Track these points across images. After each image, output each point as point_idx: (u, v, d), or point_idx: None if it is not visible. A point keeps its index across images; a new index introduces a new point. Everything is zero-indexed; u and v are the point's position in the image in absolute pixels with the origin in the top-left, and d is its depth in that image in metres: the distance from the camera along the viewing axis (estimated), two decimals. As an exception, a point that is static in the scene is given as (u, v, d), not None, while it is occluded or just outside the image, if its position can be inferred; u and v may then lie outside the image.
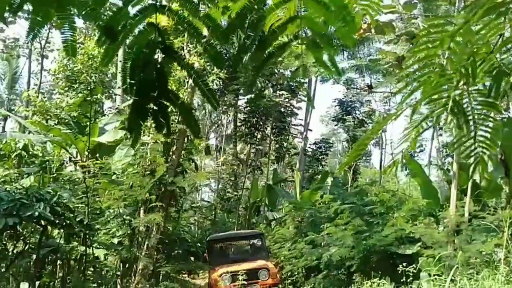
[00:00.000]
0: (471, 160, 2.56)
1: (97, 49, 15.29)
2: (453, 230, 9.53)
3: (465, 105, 2.39)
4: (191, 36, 3.03)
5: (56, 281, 10.58)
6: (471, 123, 2.35)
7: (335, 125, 34.08)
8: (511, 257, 8.48)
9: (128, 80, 2.89)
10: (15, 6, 2.42)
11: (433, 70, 2.46)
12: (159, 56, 2.94)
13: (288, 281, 12.17)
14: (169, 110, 3.13)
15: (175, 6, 2.82)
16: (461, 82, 2.40)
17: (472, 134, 2.36)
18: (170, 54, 2.96)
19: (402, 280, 8.14)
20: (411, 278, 8.10)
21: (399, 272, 8.28)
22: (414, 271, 8.23)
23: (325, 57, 2.76)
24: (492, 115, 2.52)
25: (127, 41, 2.89)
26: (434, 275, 8.28)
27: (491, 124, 2.48)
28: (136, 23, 2.72)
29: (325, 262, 11.52)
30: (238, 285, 9.03)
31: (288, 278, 12.80)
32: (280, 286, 12.31)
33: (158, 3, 2.72)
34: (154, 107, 2.97)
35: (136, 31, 2.78)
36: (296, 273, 13.05)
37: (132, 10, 2.72)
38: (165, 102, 2.99)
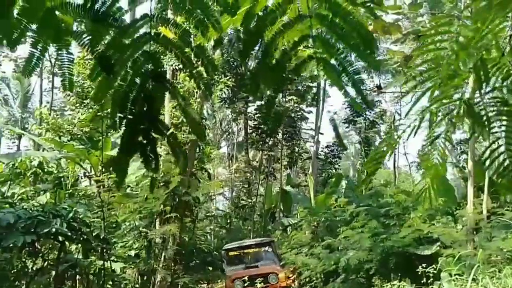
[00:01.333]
0: (495, 165, 2.50)
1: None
2: (472, 228, 9.40)
3: (479, 108, 2.35)
4: (184, 65, 2.91)
5: (76, 296, 10.65)
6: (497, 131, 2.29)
7: (346, 127, 33.92)
8: (533, 253, 8.32)
9: (118, 115, 2.76)
10: (14, 38, 2.41)
11: (440, 70, 2.42)
12: (150, 84, 2.82)
13: (307, 286, 12.08)
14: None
15: (169, 34, 2.75)
16: (470, 85, 2.37)
17: (499, 143, 2.31)
18: (162, 81, 2.85)
19: (422, 281, 8.03)
20: (431, 279, 7.99)
21: (419, 273, 8.17)
22: (434, 271, 8.12)
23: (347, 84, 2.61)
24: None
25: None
26: (455, 275, 8.15)
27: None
28: (132, 53, 2.66)
29: (343, 266, 11.41)
30: None
31: (306, 284, 12.71)
32: (293, 286, 13.35)
33: (153, 32, 2.67)
34: (143, 141, 2.83)
35: (130, 60, 2.70)
36: (314, 278, 12.94)
37: (126, 40, 2.67)
38: (154, 135, 2.86)
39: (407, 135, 2.67)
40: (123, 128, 2.78)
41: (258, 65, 2.71)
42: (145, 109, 2.74)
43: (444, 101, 2.40)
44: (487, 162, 2.44)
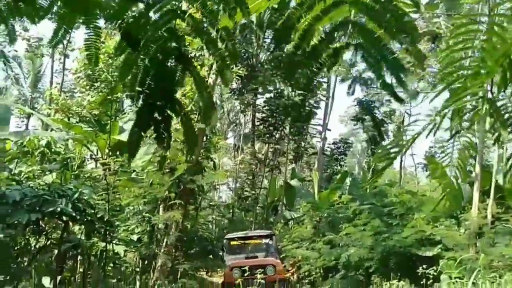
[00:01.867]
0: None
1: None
2: (475, 232, 9.35)
3: (502, 107, 2.32)
4: (207, 46, 2.85)
5: (77, 276, 10.75)
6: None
7: (354, 125, 33.80)
8: (536, 261, 8.29)
9: (137, 88, 2.76)
10: (43, 11, 2.39)
11: (465, 68, 2.39)
12: (171, 63, 2.80)
13: (306, 280, 12.14)
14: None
15: (194, 12, 2.71)
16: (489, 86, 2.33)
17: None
18: (185, 62, 2.84)
19: (422, 283, 8.03)
20: (431, 281, 7.98)
21: (419, 274, 8.17)
22: (435, 273, 8.11)
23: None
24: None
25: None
26: (455, 278, 8.13)
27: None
28: (157, 29, 2.63)
29: (343, 262, 11.45)
30: (247, 278, 9.45)
31: (305, 277, 12.77)
32: (292, 281, 13.48)
33: (178, 9, 2.63)
34: (158, 117, 2.84)
35: (155, 36, 2.67)
36: (313, 272, 13.00)
37: (153, 16, 2.65)
38: (169, 113, 2.85)
39: (426, 134, 2.64)
40: (140, 102, 2.79)
41: (294, 50, 2.65)
42: (163, 86, 2.74)
43: (467, 98, 2.37)
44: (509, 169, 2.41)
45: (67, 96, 21.27)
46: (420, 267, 8.25)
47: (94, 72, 16.97)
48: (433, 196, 17.55)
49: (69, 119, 15.02)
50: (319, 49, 2.52)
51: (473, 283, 7.57)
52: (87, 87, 17.37)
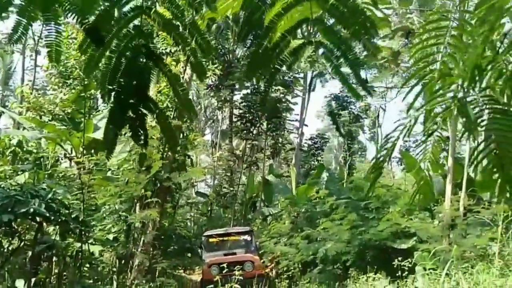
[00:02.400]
0: (484, 164, 2.52)
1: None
2: (448, 224, 9.58)
3: (472, 106, 2.36)
4: (176, 42, 2.85)
5: (52, 278, 10.54)
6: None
7: (331, 120, 34.13)
8: (506, 250, 8.54)
9: (107, 86, 2.75)
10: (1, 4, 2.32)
11: (433, 69, 2.43)
12: (141, 61, 2.79)
13: (284, 276, 12.21)
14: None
15: (161, 9, 2.70)
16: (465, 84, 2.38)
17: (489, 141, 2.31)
18: (154, 59, 2.83)
19: (397, 274, 8.17)
20: (406, 272, 8.14)
21: (395, 266, 8.32)
22: (410, 265, 8.27)
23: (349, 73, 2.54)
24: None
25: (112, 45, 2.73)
26: (429, 269, 8.31)
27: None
28: (123, 26, 2.61)
29: (321, 257, 11.57)
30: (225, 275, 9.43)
31: (284, 273, 12.85)
32: (271, 276, 13.56)
33: (144, 5, 2.62)
34: (132, 115, 2.83)
35: (121, 34, 2.65)
36: (292, 268, 13.09)
37: (118, 13, 2.62)
38: (143, 110, 2.85)
39: (403, 134, 2.67)
40: (111, 101, 2.77)
41: (256, 48, 2.67)
42: (134, 83, 2.72)
43: (439, 99, 2.41)
44: (475, 160, 2.47)
45: (39, 94, 20.75)
46: (396, 260, 8.40)
47: (67, 69, 16.64)
48: (407, 189, 17.90)
49: (41, 117, 14.68)
50: (280, 46, 2.54)
51: (446, 274, 7.76)
52: (60, 84, 17.02)
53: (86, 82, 15.52)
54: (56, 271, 10.71)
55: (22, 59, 28.73)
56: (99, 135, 13.51)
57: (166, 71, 3.05)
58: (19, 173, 11.33)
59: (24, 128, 14.41)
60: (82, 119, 12.45)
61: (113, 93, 2.74)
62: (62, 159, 14.33)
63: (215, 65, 15.03)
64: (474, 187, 10.95)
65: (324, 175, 19.01)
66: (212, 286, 7.89)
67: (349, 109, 29.18)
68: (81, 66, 15.52)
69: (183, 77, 12.86)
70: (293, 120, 26.67)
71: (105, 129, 3.05)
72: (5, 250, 9.46)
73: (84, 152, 12.31)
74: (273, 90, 23.55)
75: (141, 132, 2.96)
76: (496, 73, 2.41)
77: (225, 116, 29.74)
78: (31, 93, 15.94)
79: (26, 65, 29.21)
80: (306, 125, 26.70)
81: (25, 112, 15.90)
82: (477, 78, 2.32)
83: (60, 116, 15.23)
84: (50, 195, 8.71)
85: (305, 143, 28.55)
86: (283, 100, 23.68)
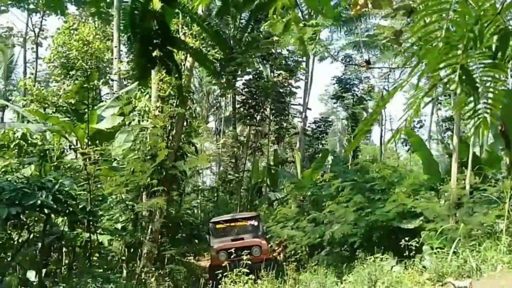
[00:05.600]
0: (474, 120, 2.49)
1: (92, 35, 15.12)
2: (454, 203, 9.57)
3: (473, 72, 2.33)
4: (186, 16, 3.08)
5: (63, 268, 10.68)
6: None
7: (334, 103, 33.98)
8: (513, 227, 8.53)
9: (130, 31, 2.91)
10: None
11: (437, 41, 2.39)
12: (158, 6, 2.95)
13: (292, 259, 12.28)
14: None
15: None
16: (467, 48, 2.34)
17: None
18: (168, 2, 2.96)
19: (405, 254, 8.20)
20: (413, 252, 8.16)
21: (402, 246, 8.34)
22: (417, 245, 8.29)
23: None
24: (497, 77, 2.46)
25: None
26: (436, 248, 8.35)
27: (495, 85, 2.42)
28: None
29: (328, 239, 11.62)
30: (234, 260, 9.51)
31: (292, 256, 12.93)
32: (279, 260, 13.69)
33: None
34: (160, 53, 2.99)
35: None
36: (299, 251, 13.18)
37: None
38: (170, 48, 3.02)
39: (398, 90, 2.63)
40: (137, 44, 2.97)
41: None
42: (155, 27, 2.89)
43: (442, 65, 2.38)
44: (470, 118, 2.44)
45: (42, 86, 20.76)
46: (403, 240, 8.42)
47: (69, 60, 16.60)
48: (413, 169, 17.85)
49: (45, 110, 14.69)
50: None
51: (454, 252, 7.79)
52: (62, 76, 17.01)
53: (89, 73, 15.54)
54: (66, 261, 10.85)
55: (23, 52, 28.65)
56: (103, 125, 13.56)
57: (186, 11, 3.28)
58: (25, 166, 11.39)
59: (28, 121, 14.44)
60: (86, 110, 12.45)
61: (137, 36, 2.91)
62: (67, 150, 14.38)
63: (215, 50, 14.91)
64: (480, 165, 10.92)
65: (329, 158, 19.01)
66: (220, 271, 7.95)
67: (353, 91, 29.01)
68: (84, 56, 15.52)
69: (184, 65, 12.81)
70: (296, 104, 26.56)
71: (137, 67, 3.33)
72: (15, 243, 9.56)
73: (89, 143, 12.34)
74: (275, 75, 23.42)
75: (173, 66, 3.21)
76: (492, 29, 2.38)
77: (228, 103, 29.65)
78: (34, 86, 15.93)
79: (28, 57, 29.16)
80: (310, 109, 26.59)
81: (29, 104, 15.92)
82: (477, 38, 2.29)
83: (64, 108, 15.24)
84: (56, 187, 8.77)
85: (309, 127, 28.47)
86: (286, 84, 23.55)
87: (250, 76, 24.23)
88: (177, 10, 3.28)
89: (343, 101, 29.32)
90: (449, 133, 26.46)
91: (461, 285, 6.35)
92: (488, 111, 2.29)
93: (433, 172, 12.33)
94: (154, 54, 3.00)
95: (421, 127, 32.93)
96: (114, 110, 14.31)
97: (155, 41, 2.94)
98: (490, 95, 2.33)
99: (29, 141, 12.52)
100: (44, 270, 9.48)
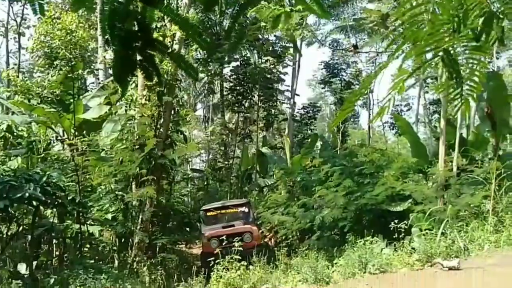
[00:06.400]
0: (457, 102, 2.53)
1: (75, 24, 14.85)
2: (442, 185, 9.70)
3: (457, 55, 2.34)
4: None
5: (54, 260, 10.64)
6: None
7: (322, 88, 34.00)
8: (499, 207, 8.69)
9: (108, 33, 2.82)
10: None
11: (423, 23, 2.39)
12: (138, 6, 2.85)
13: (283, 244, 12.37)
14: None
15: None
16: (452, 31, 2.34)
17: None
18: (149, 2, 2.87)
19: (394, 237, 8.29)
20: (403, 234, 8.26)
21: (391, 229, 8.42)
22: (406, 227, 8.39)
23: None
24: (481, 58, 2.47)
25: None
26: (425, 229, 8.48)
27: (477, 67, 2.43)
28: None
29: (318, 224, 11.72)
30: (225, 247, 9.54)
31: (283, 241, 13.02)
32: (270, 245, 13.84)
33: None
34: (140, 57, 2.91)
35: None
36: (290, 236, 13.28)
37: None
38: (150, 52, 2.93)
39: (394, 90, 2.63)
40: (116, 46, 2.85)
41: None
42: (136, 28, 2.79)
43: (427, 48, 2.38)
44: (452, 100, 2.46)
45: (25, 77, 20.41)
46: (392, 222, 8.50)
47: (52, 50, 16.31)
48: (401, 153, 18.01)
49: (29, 101, 14.47)
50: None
51: (442, 233, 7.92)
52: (46, 66, 16.72)
53: (73, 63, 15.29)
54: (57, 253, 10.80)
55: (5, 42, 28.10)
56: (89, 115, 13.40)
57: (167, 11, 3.15)
58: (12, 158, 11.26)
59: (13, 113, 14.22)
60: (72, 100, 12.29)
61: (116, 39, 2.80)
62: (54, 142, 14.22)
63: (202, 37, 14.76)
64: (467, 147, 11.06)
65: (318, 143, 19.08)
66: (212, 258, 7.98)
67: (340, 76, 29.04)
68: (67, 46, 15.25)
69: (172, 51, 12.67)
70: (284, 91, 26.50)
71: (115, 72, 3.18)
72: (4, 236, 9.48)
73: (76, 133, 12.21)
74: (263, 61, 23.31)
75: (152, 70, 3.09)
76: (476, 11, 2.38)
77: (216, 90, 29.49)
78: (18, 77, 15.65)
79: (10, 47, 28.61)
80: (298, 95, 26.55)
81: (13, 96, 15.67)
82: (461, 21, 2.29)
83: (49, 99, 15.03)
84: (44, 179, 8.70)
85: (298, 112, 28.50)
86: (274, 70, 23.46)
87: (238, 63, 24.09)
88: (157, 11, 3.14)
89: (331, 86, 29.36)
90: (437, 115, 26.70)
91: (449, 265, 6.46)
92: (470, 93, 2.31)
93: (421, 155, 12.46)
94: (133, 58, 2.90)
95: (408, 110, 33.20)
96: (100, 100, 14.14)
97: (135, 44, 2.84)
98: (473, 77, 2.34)
99: (15, 133, 12.35)
100: (34, 263, 9.44)
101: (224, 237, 10.36)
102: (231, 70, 24.34)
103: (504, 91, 11.48)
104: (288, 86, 25.57)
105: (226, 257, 7.89)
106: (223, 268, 7.42)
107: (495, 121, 10.85)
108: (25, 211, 9.70)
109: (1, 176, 8.46)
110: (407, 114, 32.85)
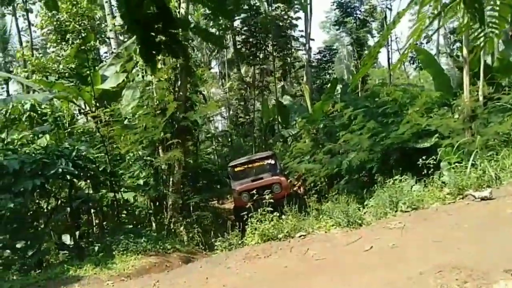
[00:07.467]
0: (480, 41, 2.44)
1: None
2: (469, 116, 9.47)
3: None
4: None
5: (94, 229, 11.10)
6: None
7: (337, 30, 33.03)
8: (530, 133, 8.48)
9: (128, 19, 2.79)
10: None
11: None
12: None
13: (313, 191, 12.53)
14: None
15: None
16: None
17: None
18: None
19: (423, 173, 8.24)
20: (432, 170, 8.21)
21: (420, 166, 8.37)
22: (435, 162, 8.32)
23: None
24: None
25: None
26: (454, 163, 8.38)
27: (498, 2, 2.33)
28: None
29: (345, 168, 11.76)
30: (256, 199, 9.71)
31: (312, 188, 13.18)
32: (300, 193, 14.17)
33: None
34: (164, 38, 2.91)
35: None
36: (319, 183, 13.41)
37: None
38: (173, 31, 2.91)
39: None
40: (138, 32, 2.86)
41: None
42: (155, 11, 2.78)
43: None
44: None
45: (40, 53, 20.52)
46: (420, 159, 8.43)
47: (61, 24, 16.24)
48: (424, 87, 17.59)
49: (47, 78, 14.62)
50: None
51: (472, 164, 7.82)
52: (58, 41, 16.72)
53: (84, 34, 15.24)
54: (97, 221, 11.25)
55: (15, 21, 28.05)
56: (108, 85, 13.49)
57: None
58: (40, 136, 11.53)
59: (34, 91, 14.43)
60: (88, 72, 12.35)
61: (138, 23, 2.80)
62: (77, 115, 14.45)
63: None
64: (492, 74, 10.70)
65: (338, 87, 18.78)
66: (245, 212, 8.16)
67: (354, 15, 28.08)
68: (75, 17, 15.16)
69: (179, 12, 12.45)
70: (298, 37, 25.89)
71: (142, 54, 3.17)
72: (45, 211, 9.90)
73: (97, 104, 12.35)
74: (273, 8, 22.68)
75: (176, 48, 3.10)
76: None
77: (229, 44, 29.05)
78: (32, 55, 15.75)
79: (20, 25, 28.59)
80: (313, 39, 26.01)
81: (31, 74, 15.84)
82: None
83: (66, 73, 15.15)
84: (74, 153, 8.94)
85: (314, 58, 27.94)
86: (285, 17, 22.86)
87: (247, 14, 23.53)
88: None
89: (346, 26, 28.47)
90: (458, 44, 25.74)
91: (481, 196, 6.44)
92: (494, 30, 2.21)
93: (444, 88, 12.14)
94: (157, 39, 2.87)
95: (428, 42, 32.08)
96: (116, 68, 14.16)
97: (156, 26, 2.81)
98: (495, 14, 2.23)
99: (39, 111, 12.58)
100: (77, 233, 9.88)
101: (254, 191, 10.55)
102: (241, 22, 23.83)
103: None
104: (302, 31, 24.95)
105: (258, 209, 8.05)
106: (257, 220, 7.59)
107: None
108: (60, 185, 10.04)
109: (33, 155, 8.71)
110: (427, 46, 31.80)
